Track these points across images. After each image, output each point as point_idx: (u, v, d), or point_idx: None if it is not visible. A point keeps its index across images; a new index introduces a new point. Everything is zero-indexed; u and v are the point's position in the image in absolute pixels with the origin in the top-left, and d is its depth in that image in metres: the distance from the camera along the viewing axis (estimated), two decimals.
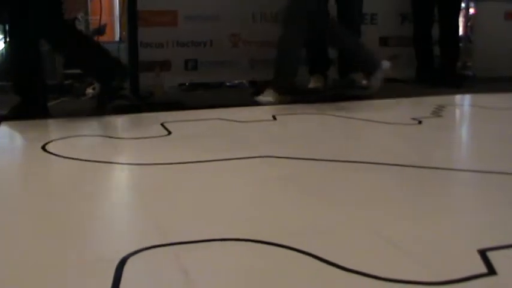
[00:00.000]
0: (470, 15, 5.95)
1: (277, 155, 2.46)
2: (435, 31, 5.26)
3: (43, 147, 2.63)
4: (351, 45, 4.33)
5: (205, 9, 4.80)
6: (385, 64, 4.16)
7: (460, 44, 5.53)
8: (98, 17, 4.84)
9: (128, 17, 4.19)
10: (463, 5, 5.54)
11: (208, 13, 4.81)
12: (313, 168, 2.31)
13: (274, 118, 3.45)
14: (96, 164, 2.40)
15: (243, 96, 4.43)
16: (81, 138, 2.95)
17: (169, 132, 3.02)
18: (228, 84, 5.10)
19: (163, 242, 1.48)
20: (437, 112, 3.65)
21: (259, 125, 3.32)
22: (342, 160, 2.40)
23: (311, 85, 4.68)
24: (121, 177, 2.24)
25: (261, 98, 4.06)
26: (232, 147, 2.71)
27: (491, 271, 1.32)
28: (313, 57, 4.83)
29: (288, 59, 4.22)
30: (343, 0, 4.81)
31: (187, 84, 4.87)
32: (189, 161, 2.38)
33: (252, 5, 4.94)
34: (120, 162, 2.42)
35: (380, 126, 3.31)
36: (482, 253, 1.41)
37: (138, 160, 2.46)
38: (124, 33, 4.60)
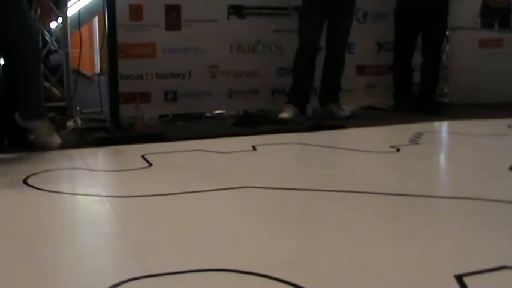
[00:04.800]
0: (446, 42, 6.05)
1: (258, 186, 2.49)
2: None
3: (24, 181, 2.64)
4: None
5: (183, 41, 4.85)
6: (56, 140, 3.54)
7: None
8: (78, 50, 4.87)
9: (107, 50, 4.21)
10: None
11: (186, 45, 4.86)
12: (293, 198, 2.34)
13: (254, 148, 3.48)
14: (78, 197, 2.41)
15: (223, 127, 4.46)
16: (62, 171, 2.95)
17: (150, 164, 3.03)
18: (208, 115, 5.13)
19: (145, 274, 1.50)
20: (415, 140, 3.71)
21: (240, 155, 3.35)
22: (322, 189, 2.43)
23: (281, 115, 4.73)
24: (102, 209, 2.24)
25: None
26: (213, 178, 2.73)
27: None
28: (295, 87, 4.90)
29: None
30: (333, 30, 4.89)
31: (171, 115, 4.90)
32: (170, 192, 2.39)
33: (229, 37, 5.01)
34: (101, 195, 2.43)
35: (359, 155, 3.35)
36: (459, 278, 1.43)
37: (119, 192, 2.47)
38: (104, 65, 4.62)
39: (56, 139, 3.53)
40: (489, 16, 5.68)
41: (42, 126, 3.48)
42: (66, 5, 4.73)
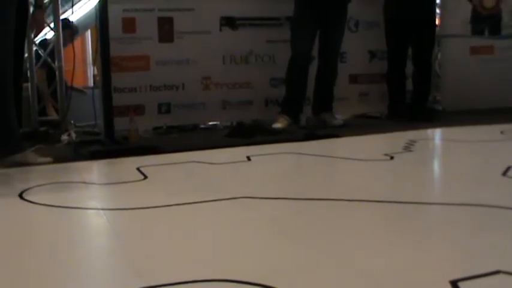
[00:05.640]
0: (438, 50, 6.10)
1: (253, 196, 2.50)
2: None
3: (20, 195, 2.64)
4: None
5: (176, 53, 4.87)
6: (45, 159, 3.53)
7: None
8: (72, 64, 4.90)
9: (101, 63, 4.22)
10: None
11: (179, 57, 4.88)
12: (289, 208, 2.35)
13: (249, 159, 3.49)
14: (74, 210, 2.42)
15: (217, 138, 4.47)
16: (57, 185, 2.96)
17: (145, 177, 3.04)
18: (202, 126, 5.15)
19: (143, 285, 1.50)
20: (409, 147, 3.73)
21: (234, 166, 3.36)
22: (317, 198, 2.44)
23: (275, 125, 4.76)
24: (99, 222, 2.25)
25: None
26: (208, 189, 2.74)
27: None
28: (288, 97, 4.92)
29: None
30: (326, 40, 4.92)
31: (165, 127, 4.92)
32: (166, 204, 2.40)
33: (222, 48, 5.03)
34: (97, 207, 2.43)
35: (353, 163, 3.37)
36: (454, 284, 1.45)
37: (115, 205, 2.48)
38: (98, 79, 4.63)
39: (45, 159, 3.53)
40: (479, 23, 5.74)
41: (24, 157, 3.45)
42: (59, 19, 4.75)
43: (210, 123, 5.22)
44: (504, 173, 2.81)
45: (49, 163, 3.47)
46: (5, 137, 3.41)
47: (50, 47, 4.88)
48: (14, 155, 3.40)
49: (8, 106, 3.39)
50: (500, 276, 1.51)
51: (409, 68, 5.42)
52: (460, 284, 1.45)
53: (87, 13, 5.42)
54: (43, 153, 3.63)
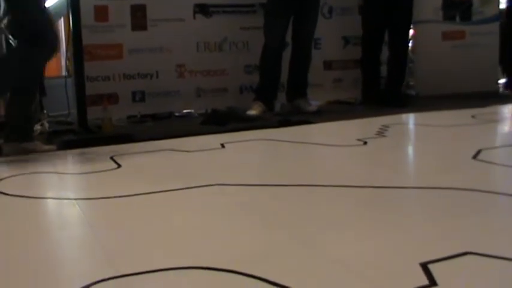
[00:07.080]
0: (411, 36, 6.13)
1: (227, 183, 2.50)
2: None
3: None
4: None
5: (150, 41, 4.84)
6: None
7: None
8: None
9: (73, 52, 4.19)
10: None
11: (153, 45, 4.85)
12: (263, 194, 2.36)
13: (223, 146, 3.49)
14: (47, 200, 2.41)
15: (192, 125, 4.46)
16: (30, 175, 2.94)
17: (119, 165, 3.03)
18: (176, 114, 5.13)
19: (116, 274, 1.50)
20: (382, 132, 3.76)
21: (209, 153, 3.36)
22: (291, 184, 2.46)
23: (249, 112, 4.76)
24: (72, 212, 2.24)
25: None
26: (182, 177, 2.74)
27: (432, 283, 1.39)
28: (262, 84, 4.92)
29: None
30: (299, 26, 4.92)
31: (139, 116, 4.90)
32: (140, 193, 2.40)
33: (195, 36, 5.01)
34: (70, 197, 2.43)
35: (327, 149, 3.39)
36: (424, 266, 1.47)
37: (88, 195, 2.47)
38: (70, 67, 4.59)
39: (50, 147, 3.58)
40: (451, 9, 5.79)
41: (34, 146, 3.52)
42: None
43: (185, 111, 5.20)
44: (474, 156, 2.85)
45: (52, 151, 3.53)
46: (23, 126, 3.51)
47: None
48: (26, 143, 3.48)
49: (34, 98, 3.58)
50: (469, 257, 1.54)
51: (384, 53, 5.44)
52: (430, 266, 1.47)
53: (58, 1, 5.35)
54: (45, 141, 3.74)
